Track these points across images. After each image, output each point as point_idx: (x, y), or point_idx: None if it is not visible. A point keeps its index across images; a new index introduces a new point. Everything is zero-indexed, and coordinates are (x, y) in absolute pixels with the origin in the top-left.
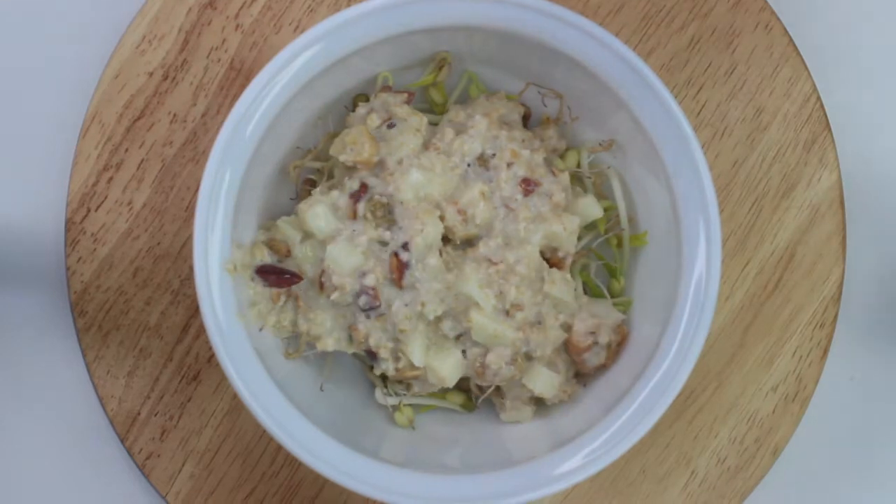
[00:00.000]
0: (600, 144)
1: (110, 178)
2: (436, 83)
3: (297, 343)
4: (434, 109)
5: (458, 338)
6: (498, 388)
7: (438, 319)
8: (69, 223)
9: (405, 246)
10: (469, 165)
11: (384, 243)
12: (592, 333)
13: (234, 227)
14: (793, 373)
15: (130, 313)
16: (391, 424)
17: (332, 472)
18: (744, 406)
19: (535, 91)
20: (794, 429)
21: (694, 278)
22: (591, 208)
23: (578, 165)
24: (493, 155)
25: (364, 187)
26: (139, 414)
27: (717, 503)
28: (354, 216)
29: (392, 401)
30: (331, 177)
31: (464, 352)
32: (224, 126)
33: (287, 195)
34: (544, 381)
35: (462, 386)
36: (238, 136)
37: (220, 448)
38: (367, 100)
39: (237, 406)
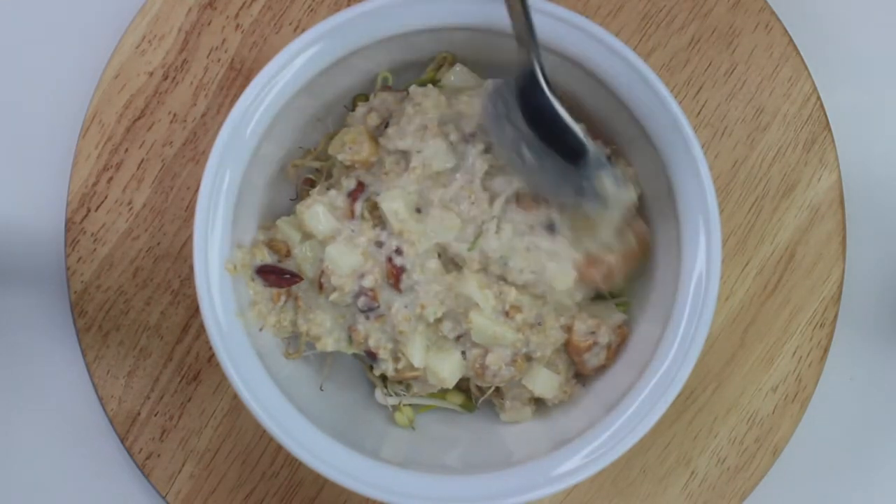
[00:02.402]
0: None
1: (110, 178)
2: (435, 83)
3: (297, 343)
4: None
5: (457, 339)
6: (498, 389)
7: (438, 320)
8: (69, 223)
9: (398, 250)
10: None
11: (381, 244)
12: (593, 333)
13: (234, 227)
14: (793, 373)
15: (130, 313)
16: (391, 424)
17: (332, 472)
18: (744, 406)
19: None
20: (794, 429)
21: (694, 278)
22: None
23: None
24: None
25: (361, 186)
26: (139, 414)
27: (717, 503)
28: (352, 215)
29: (392, 401)
30: (329, 177)
31: (463, 353)
32: (224, 126)
33: (287, 195)
34: (544, 382)
35: (462, 386)
36: (238, 136)
37: (220, 448)
38: (367, 100)
39: (237, 406)
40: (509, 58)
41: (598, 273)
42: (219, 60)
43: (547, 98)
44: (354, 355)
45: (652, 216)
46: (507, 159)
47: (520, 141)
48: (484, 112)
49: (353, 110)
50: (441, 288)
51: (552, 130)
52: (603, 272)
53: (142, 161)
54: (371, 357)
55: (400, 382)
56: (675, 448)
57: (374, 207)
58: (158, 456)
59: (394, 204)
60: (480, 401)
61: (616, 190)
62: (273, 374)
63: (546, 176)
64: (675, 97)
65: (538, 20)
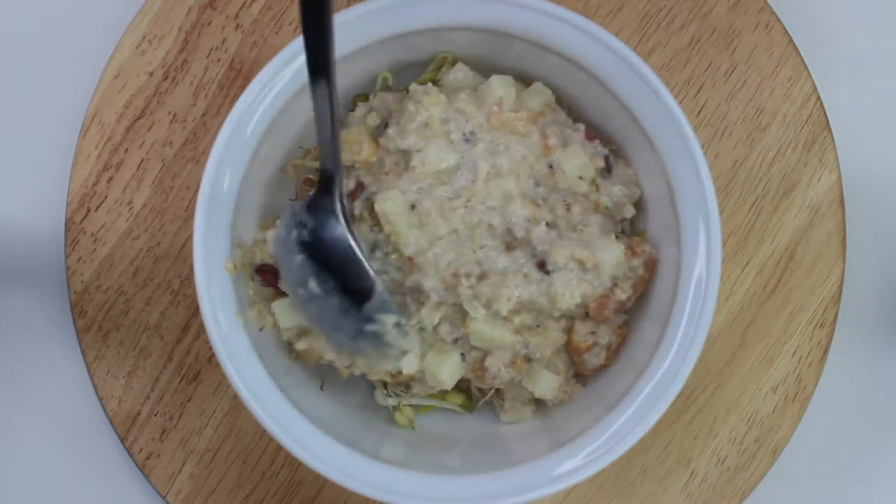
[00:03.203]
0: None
1: (110, 178)
2: (435, 83)
3: None
4: None
5: (455, 341)
6: (498, 389)
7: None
8: (69, 223)
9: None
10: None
11: (377, 246)
12: (593, 334)
13: (234, 227)
14: (793, 373)
15: (130, 313)
16: (391, 425)
17: (332, 472)
18: (744, 406)
19: None
20: (794, 429)
21: (694, 278)
22: None
23: None
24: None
25: (360, 186)
26: (139, 414)
27: (717, 503)
28: (351, 216)
29: (392, 401)
30: None
31: (463, 355)
32: (224, 126)
33: (287, 195)
34: (544, 383)
35: (462, 386)
36: (238, 136)
37: (220, 448)
38: (367, 100)
39: (237, 406)
40: (510, 58)
41: (609, 311)
42: (219, 60)
43: (340, 227)
44: None
45: (652, 216)
46: (290, 290)
47: (307, 271)
48: (276, 236)
49: (353, 110)
50: None
51: (341, 263)
52: (614, 308)
53: (142, 161)
54: None
55: (400, 383)
56: (675, 448)
57: (373, 208)
58: (158, 456)
59: (386, 206)
60: (481, 403)
61: (399, 340)
62: (273, 374)
63: (327, 313)
64: (675, 97)
65: (539, 21)
